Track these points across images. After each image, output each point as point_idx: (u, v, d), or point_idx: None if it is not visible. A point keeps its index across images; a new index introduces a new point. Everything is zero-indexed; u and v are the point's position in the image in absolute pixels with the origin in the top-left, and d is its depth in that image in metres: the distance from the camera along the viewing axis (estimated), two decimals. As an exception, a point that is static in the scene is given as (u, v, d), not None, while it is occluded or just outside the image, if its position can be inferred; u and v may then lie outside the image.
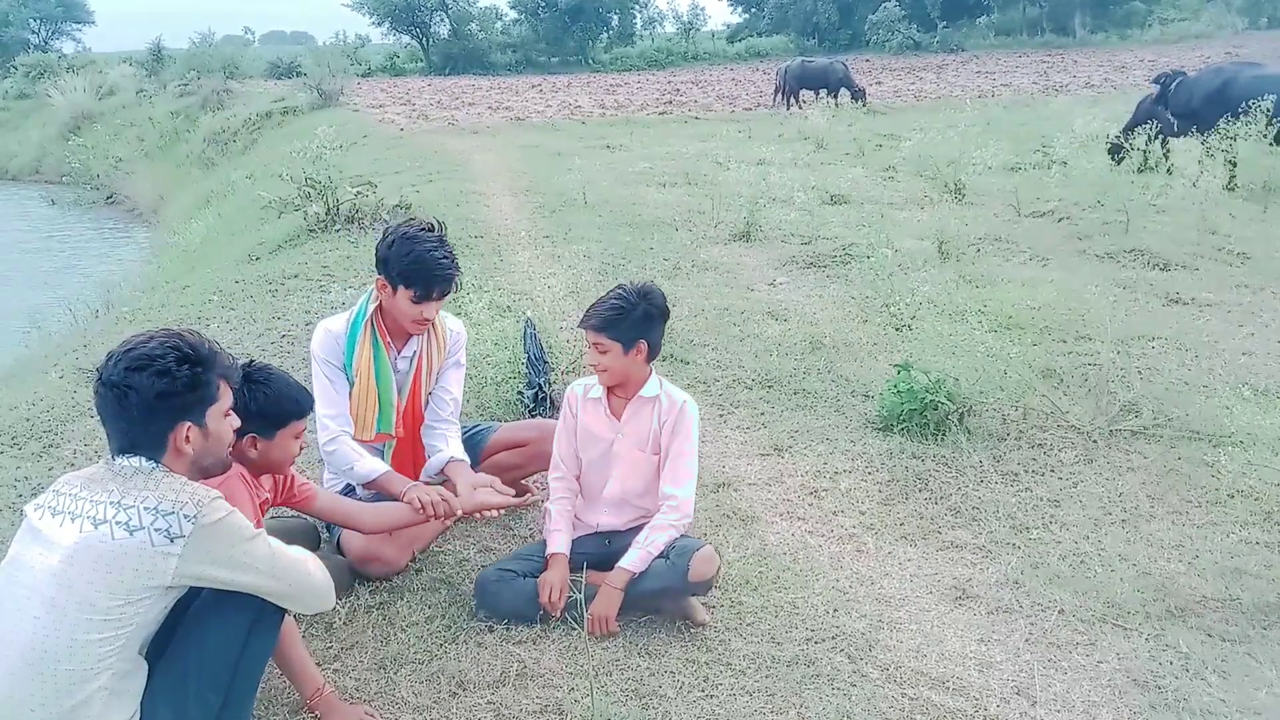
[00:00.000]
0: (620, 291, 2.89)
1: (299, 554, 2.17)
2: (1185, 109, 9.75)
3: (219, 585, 2.02)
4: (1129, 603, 2.90)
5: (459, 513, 2.87)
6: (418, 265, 2.95)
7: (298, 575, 2.13)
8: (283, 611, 2.20)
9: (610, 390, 2.98)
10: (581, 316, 2.93)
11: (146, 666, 2.02)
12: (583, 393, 3.03)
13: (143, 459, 2.00)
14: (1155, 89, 10.26)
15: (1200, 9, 45.92)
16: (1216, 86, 9.44)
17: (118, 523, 1.91)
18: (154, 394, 1.97)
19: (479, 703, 2.50)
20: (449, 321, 3.30)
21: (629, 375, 2.91)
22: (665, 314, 2.93)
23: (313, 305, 6.09)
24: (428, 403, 3.25)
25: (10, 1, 51.38)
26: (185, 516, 1.92)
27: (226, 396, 2.12)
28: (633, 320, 2.83)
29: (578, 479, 3.05)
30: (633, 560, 2.79)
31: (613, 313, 2.84)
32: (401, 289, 2.99)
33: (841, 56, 27.37)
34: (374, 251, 3.08)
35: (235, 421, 2.19)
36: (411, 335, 3.15)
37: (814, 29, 46.90)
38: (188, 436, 2.03)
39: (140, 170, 20.04)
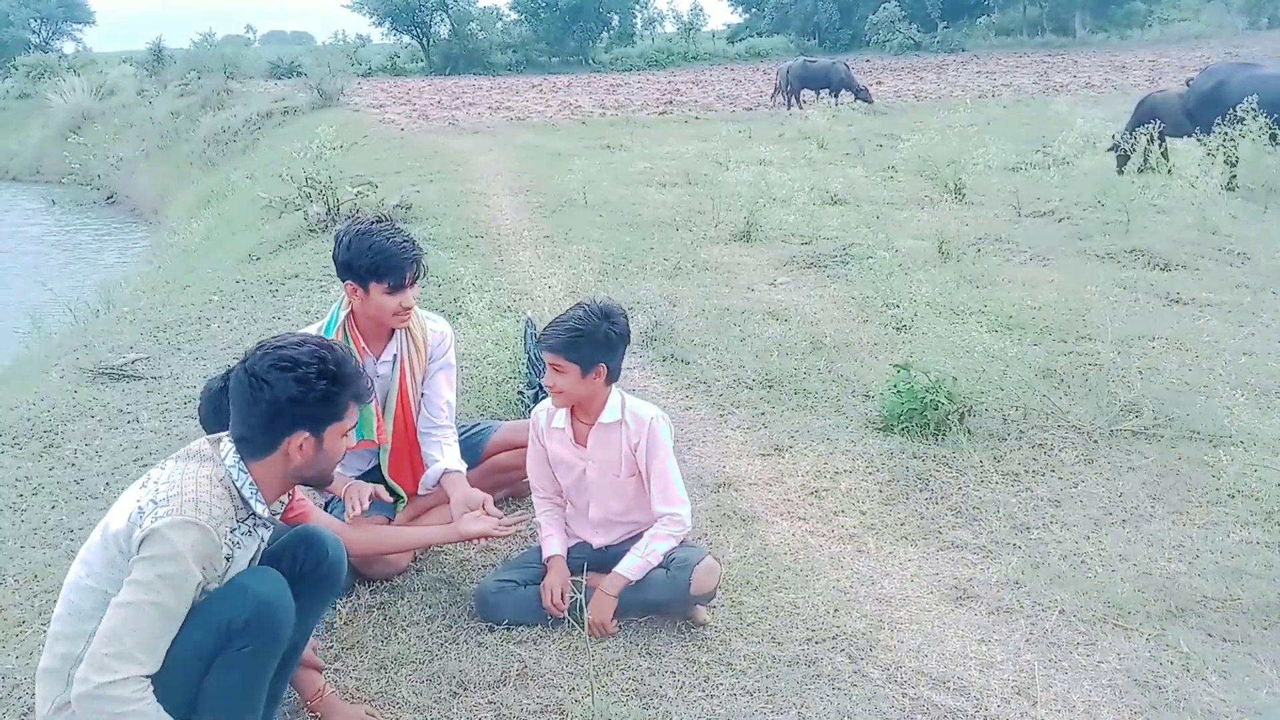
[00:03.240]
0: (582, 311, 2.78)
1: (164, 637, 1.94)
2: (1186, 110, 9.75)
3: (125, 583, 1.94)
4: (1129, 603, 2.90)
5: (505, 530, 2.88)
6: (383, 256, 2.93)
7: (138, 635, 1.89)
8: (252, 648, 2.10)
9: (573, 415, 2.90)
10: (539, 335, 2.84)
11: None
12: (546, 421, 2.95)
13: (237, 451, 2.09)
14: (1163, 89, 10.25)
15: (1200, 9, 45.90)
16: (1210, 87, 9.43)
17: (138, 498, 2.02)
18: (286, 397, 2.05)
19: (479, 703, 2.50)
20: (432, 323, 3.24)
21: (586, 397, 2.83)
22: (626, 337, 2.84)
23: (313, 305, 6.09)
24: (420, 408, 3.21)
25: (10, 1, 51.41)
26: (157, 515, 1.95)
27: (352, 417, 2.20)
28: (593, 342, 2.73)
29: (559, 494, 3.02)
30: (630, 568, 2.77)
31: (572, 334, 2.73)
32: (374, 285, 2.95)
33: (842, 56, 27.38)
34: (333, 261, 3.05)
35: (351, 440, 2.23)
36: (388, 339, 3.11)
37: (814, 29, 46.85)
38: (301, 446, 2.11)
39: (140, 170, 20.05)
